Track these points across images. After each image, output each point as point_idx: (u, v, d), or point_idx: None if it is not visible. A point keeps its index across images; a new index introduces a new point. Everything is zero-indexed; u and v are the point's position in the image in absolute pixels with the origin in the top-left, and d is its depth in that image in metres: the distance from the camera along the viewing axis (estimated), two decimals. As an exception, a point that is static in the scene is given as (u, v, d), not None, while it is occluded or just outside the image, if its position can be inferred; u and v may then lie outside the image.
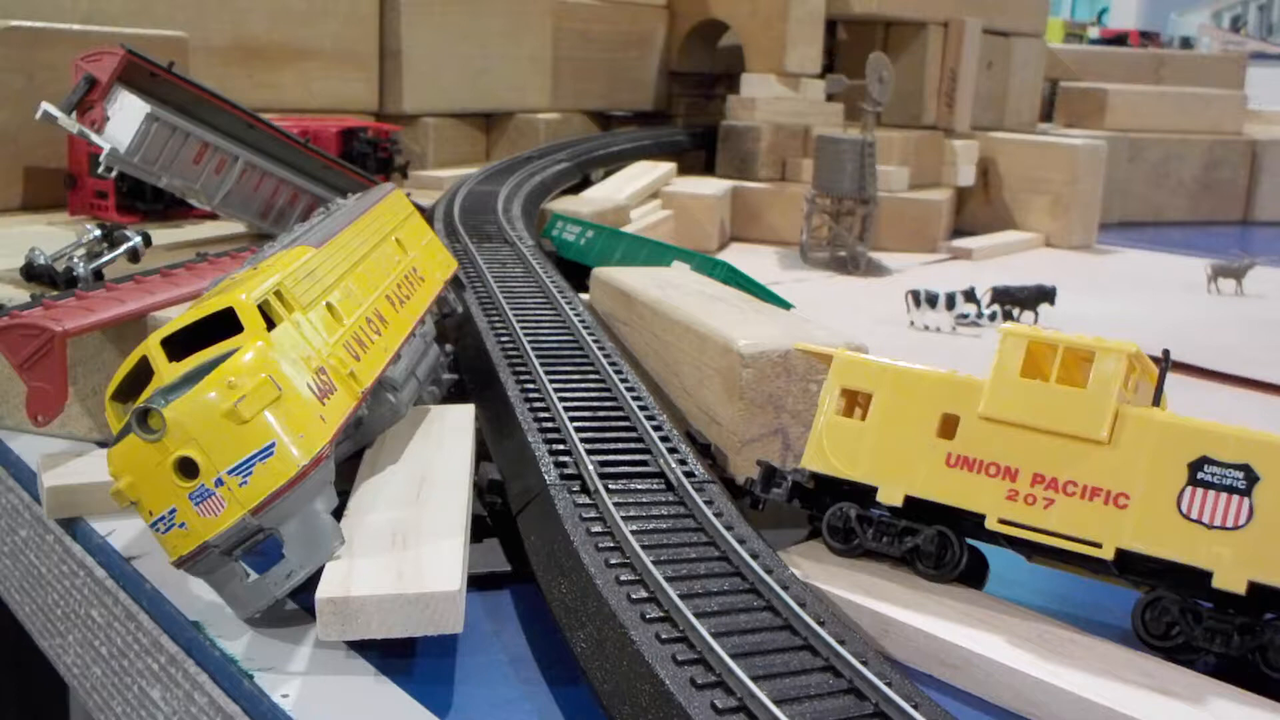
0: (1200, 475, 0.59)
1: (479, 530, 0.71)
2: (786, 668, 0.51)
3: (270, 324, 0.61)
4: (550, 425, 0.74)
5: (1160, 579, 0.60)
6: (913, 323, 1.42)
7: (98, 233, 1.14)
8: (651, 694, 0.49)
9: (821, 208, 1.81)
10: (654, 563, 0.58)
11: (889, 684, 0.50)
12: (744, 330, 0.82)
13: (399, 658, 0.59)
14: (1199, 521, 0.58)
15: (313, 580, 0.58)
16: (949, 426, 0.66)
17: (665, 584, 0.56)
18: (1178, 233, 2.49)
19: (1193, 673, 0.58)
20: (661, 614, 0.54)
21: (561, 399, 0.77)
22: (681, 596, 0.55)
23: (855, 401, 0.70)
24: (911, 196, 2.04)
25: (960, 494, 0.65)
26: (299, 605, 0.63)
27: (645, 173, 1.95)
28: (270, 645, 0.60)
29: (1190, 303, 1.71)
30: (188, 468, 0.56)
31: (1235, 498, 0.58)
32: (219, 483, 0.56)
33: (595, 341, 0.88)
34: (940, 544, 0.66)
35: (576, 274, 1.19)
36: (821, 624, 0.54)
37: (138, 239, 1.14)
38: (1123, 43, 4.51)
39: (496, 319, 0.95)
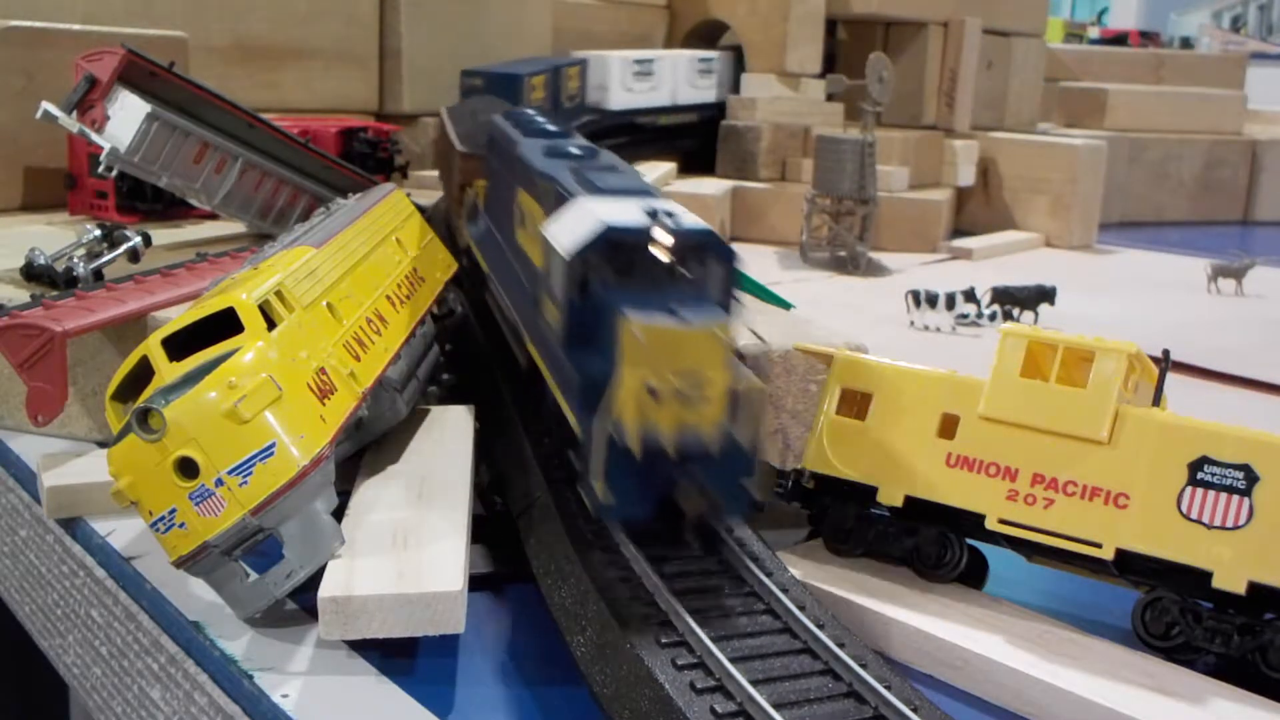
0: (1200, 475, 0.59)
1: (479, 530, 0.71)
2: (786, 671, 0.51)
3: (271, 324, 0.61)
4: (550, 425, 0.74)
5: (1160, 579, 0.60)
6: (913, 323, 1.42)
7: (98, 233, 1.14)
8: (651, 698, 0.49)
9: (821, 208, 1.80)
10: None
11: (889, 687, 0.50)
12: (744, 330, 0.82)
13: (399, 658, 0.59)
14: (1199, 521, 0.58)
15: (313, 580, 0.58)
16: (949, 426, 0.66)
17: (664, 586, 0.56)
18: (1178, 233, 2.48)
19: (1193, 673, 0.58)
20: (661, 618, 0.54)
21: (561, 399, 0.77)
22: (680, 599, 0.55)
23: (855, 401, 0.70)
24: (911, 196, 2.03)
25: (960, 494, 0.65)
26: (299, 605, 0.63)
27: (645, 173, 1.95)
28: (270, 645, 0.60)
29: (1190, 303, 1.71)
30: (188, 468, 0.56)
31: (1235, 498, 0.58)
32: (219, 483, 0.56)
33: (595, 341, 0.88)
34: (940, 544, 0.66)
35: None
36: (821, 627, 0.54)
37: (138, 239, 1.13)
38: (1123, 43, 4.52)
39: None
